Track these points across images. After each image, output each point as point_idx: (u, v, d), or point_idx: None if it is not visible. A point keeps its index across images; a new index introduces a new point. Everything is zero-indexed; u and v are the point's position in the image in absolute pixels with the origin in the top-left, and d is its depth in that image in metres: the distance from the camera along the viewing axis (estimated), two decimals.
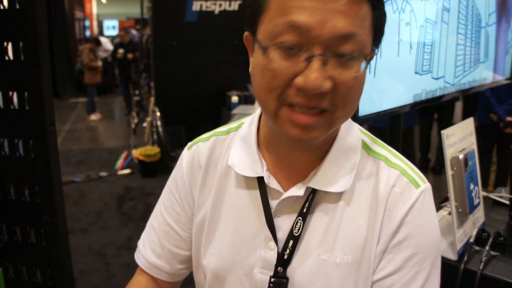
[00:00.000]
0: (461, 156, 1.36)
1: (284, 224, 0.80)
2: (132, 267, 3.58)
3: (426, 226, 0.78)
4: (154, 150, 5.67)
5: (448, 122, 5.29)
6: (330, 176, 0.78)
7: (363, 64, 0.68)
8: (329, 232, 0.78)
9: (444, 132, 1.35)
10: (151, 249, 0.95)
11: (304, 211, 0.78)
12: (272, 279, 0.79)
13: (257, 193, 0.82)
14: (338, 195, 0.79)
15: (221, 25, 5.78)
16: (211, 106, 6.00)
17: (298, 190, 0.78)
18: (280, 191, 0.80)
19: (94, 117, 9.41)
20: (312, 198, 0.79)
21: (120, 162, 6.20)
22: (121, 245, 3.92)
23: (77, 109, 10.42)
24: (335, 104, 0.68)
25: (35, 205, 1.11)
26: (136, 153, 5.70)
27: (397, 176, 0.79)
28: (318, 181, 0.78)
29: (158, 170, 5.67)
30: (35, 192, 1.10)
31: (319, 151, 0.80)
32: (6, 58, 1.08)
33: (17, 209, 1.12)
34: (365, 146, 0.83)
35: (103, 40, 10.83)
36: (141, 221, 4.44)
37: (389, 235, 0.77)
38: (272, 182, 0.81)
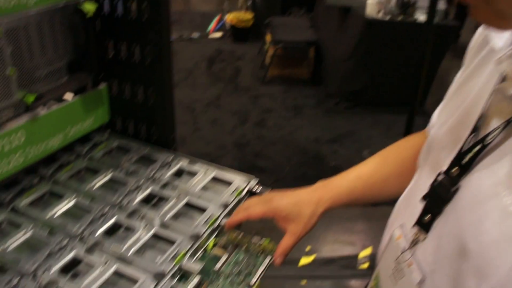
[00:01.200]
0: None
1: (490, 122, 0.59)
2: (218, 123, 3.76)
3: None
4: (247, 15, 5.58)
5: None
6: None
7: None
8: None
9: None
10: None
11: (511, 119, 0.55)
12: (439, 175, 0.62)
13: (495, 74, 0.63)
14: None
15: None
16: None
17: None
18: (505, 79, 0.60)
19: None
20: None
21: (212, 25, 6.20)
22: (208, 102, 4.05)
23: None
24: None
25: (142, 22, 1.11)
26: (229, 17, 5.64)
27: None
28: None
29: (250, 36, 5.61)
30: (142, 8, 1.09)
31: None
32: None
33: (124, 25, 1.13)
34: None
35: None
36: (229, 82, 4.52)
37: None
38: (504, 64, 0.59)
